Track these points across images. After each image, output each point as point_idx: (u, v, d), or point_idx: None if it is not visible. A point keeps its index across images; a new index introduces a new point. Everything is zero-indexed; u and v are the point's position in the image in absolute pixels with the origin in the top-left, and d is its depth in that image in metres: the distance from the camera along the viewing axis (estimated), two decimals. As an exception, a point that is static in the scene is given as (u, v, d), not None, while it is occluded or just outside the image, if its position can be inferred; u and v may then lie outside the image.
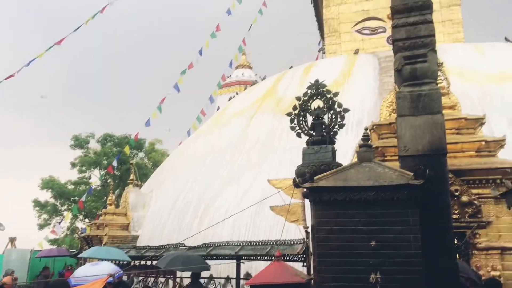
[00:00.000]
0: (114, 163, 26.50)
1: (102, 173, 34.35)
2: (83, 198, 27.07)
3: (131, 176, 19.49)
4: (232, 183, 15.91)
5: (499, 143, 9.91)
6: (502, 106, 14.60)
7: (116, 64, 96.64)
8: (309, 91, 7.73)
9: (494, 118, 13.88)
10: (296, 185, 7.28)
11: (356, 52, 20.86)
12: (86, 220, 32.65)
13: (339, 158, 7.46)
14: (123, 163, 32.02)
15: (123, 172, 32.95)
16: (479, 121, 10.34)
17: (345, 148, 13.41)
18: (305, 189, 6.39)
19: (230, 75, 39.13)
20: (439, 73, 9.86)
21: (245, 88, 29.53)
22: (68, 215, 29.17)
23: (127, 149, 26.20)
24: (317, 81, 7.78)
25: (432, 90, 6.23)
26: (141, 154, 37.90)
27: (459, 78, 15.29)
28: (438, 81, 7.42)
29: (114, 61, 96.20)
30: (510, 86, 15.43)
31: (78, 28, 21.42)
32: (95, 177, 34.92)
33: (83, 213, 32.65)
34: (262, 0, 25.92)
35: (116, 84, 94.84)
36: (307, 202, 6.52)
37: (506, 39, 21.03)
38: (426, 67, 6.24)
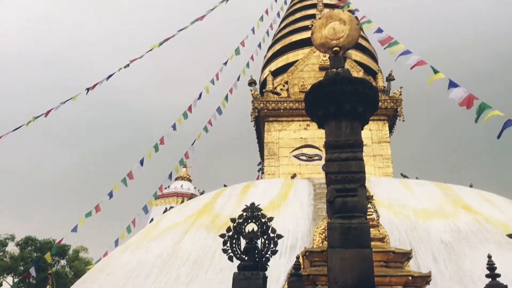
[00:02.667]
0: (32, 270, 24.36)
1: (15, 280, 31.47)
2: (-13, 308, 24.34)
3: (48, 287, 17.93)
4: (157, 302, 14.97)
5: (425, 279, 10.13)
6: (428, 242, 15.19)
7: (50, 167, 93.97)
8: (244, 213, 7.78)
9: (420, 252, 14.38)
10: (223, 312, 7.00)
11: (293, 176, 21.62)
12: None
13: (272, 282, 7.35)
14: (42, 271, 29.61)
15: (41, 280, 30.39)
16: (406, 255, 10.63)
17: (278, 273, 13.23)
18: (232, 318, 6.13)
19: (168, 186, 38.80)
20: (370, 205, 10.33)
21: (182, 201, 29.24)
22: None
23: (47, 256, 24.34)
24: (253, 204, 7.88)
25: (361, 224, 6.44)
26: (63, 262, 35.46)
27: (388, 210, 16.00)
28: (368, 213, 7.72)
29: (48, 163, 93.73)
30: (435, 223, 16.24)
31: (17, 129, 20.90)
32: (7, 285, 31.93)
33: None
34: (208, 118, 26.83)
35: (48, 187, 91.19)
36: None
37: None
38: (356, 201, 6.52)
